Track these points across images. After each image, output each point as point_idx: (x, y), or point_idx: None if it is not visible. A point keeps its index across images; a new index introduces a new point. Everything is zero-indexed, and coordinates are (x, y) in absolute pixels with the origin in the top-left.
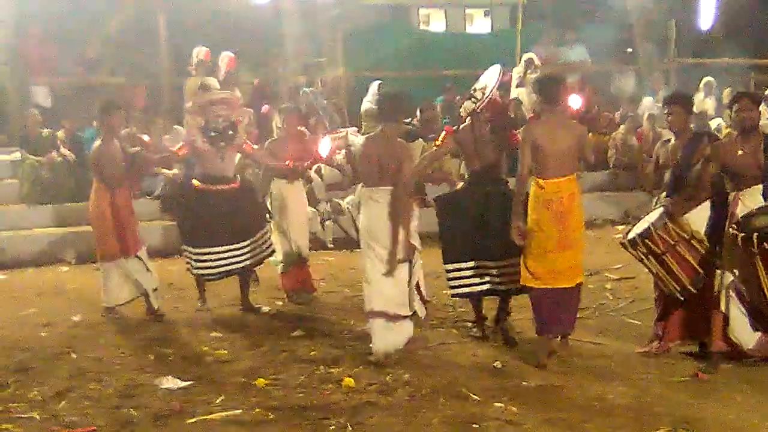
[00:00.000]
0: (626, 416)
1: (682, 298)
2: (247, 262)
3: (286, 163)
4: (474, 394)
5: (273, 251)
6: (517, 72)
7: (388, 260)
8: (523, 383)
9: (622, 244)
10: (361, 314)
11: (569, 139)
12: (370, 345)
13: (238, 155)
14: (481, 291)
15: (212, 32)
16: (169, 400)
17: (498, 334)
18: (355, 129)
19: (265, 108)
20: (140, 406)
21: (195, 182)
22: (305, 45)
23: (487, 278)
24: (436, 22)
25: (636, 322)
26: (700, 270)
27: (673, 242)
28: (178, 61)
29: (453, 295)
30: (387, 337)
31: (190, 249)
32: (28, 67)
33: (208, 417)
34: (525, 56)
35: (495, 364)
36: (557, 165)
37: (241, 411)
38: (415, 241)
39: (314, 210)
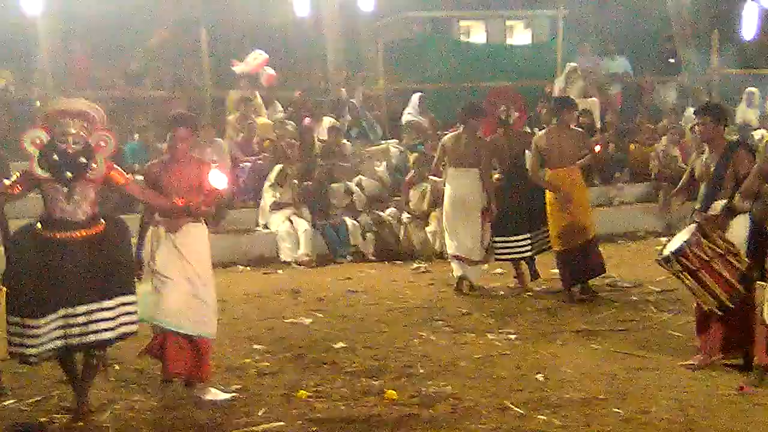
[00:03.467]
0: (670, 429)
1: (721, 313)
2: (89, 338)
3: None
4: (516, 407)
5: (134, 328)
6: (558, 83)
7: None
8: (566, 395)
9: (658, 261)
10: (403, 326)
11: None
12: (412, 357)
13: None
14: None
15: (254, 45)
16: (211, 413)
17: (536, 345)
18: (396, 141)
19: (306, 121)
20: (183, 418)
21: (38, 225)
22: (347, 57)
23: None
24: (476, 34)
25: (679, 334)
26: (737, 285)
27: (707, 258)
28: (220, 74)
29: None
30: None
31: (11, 317)
32: (72, 81)
33: (251, 429)
34: (567, 66)
35: (537, 377)
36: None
37: (283, 423)
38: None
39: (355, 222)
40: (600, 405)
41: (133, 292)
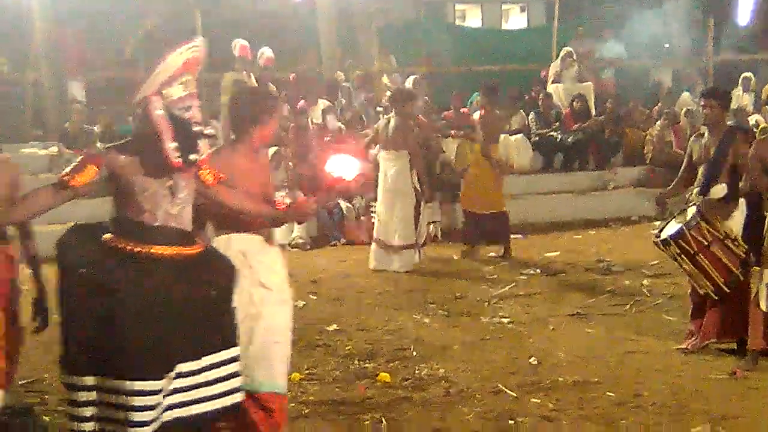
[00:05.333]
0: (663, 413)
1: (717, 297)
2: (191, 410)
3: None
4: (510, 390)
5: (239, 398)
6: (554, 67)
7: None
8: (560, 379)
9: (655, 243)
10: (396, 309)
11: None
12: (406, 340)
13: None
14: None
15: (248, 28)
16: None
17: (530, 329)
18: None
19: (301, 103)
20: None
21: (107, 236)
22: (341, 41)
23: None
24: (472, 18)
25: (673, 318)
26: (735, 270)
27: (706, 243)
28: (214, 57)
29: None
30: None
31: (65, 378)
32: (65, 63)
33: None
34: (563, 51)
35: (531, 360)
36: None
37: None
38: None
39: (349, 205)
40: (593, 388)
41: (236, 344)
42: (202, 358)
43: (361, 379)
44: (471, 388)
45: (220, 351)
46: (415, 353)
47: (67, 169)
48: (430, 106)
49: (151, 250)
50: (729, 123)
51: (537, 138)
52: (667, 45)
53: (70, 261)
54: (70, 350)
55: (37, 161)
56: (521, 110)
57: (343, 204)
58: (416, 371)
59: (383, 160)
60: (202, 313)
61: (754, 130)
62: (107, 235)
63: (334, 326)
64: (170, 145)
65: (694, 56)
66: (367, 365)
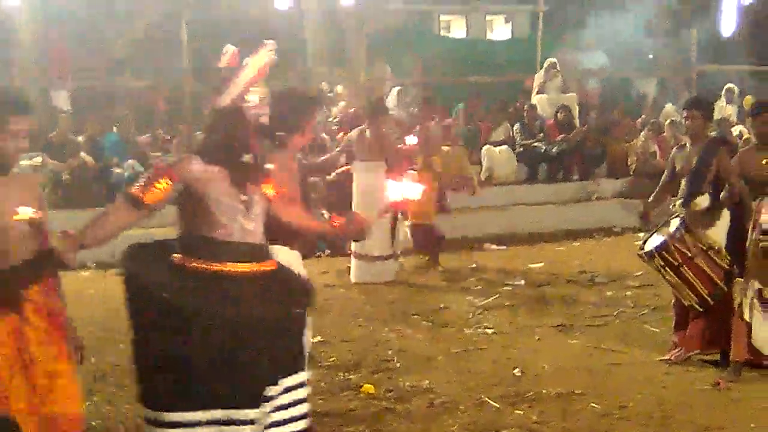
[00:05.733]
0: (647, 424)
1: (701, 309)
2: None
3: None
4: (493, 401)
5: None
6: (538, 78)
7: None
8: (543, 390)
9: (639, 255)
10: (380, 320)
11: None
12: (389, 351)
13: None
14: None
15: (235, 36)
16: None
17: (514, 340)
18: None
19: None
20: None
21: (176, 256)
22: (328, 50)
23: None
24: (457, 29)
25: (657, 329)
26: (719, 281)
27: (690, 254)
28: (200, 66)
29: None
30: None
31: (150, 414)
32: (51, 71)
33: None
34: (546, 62)
35: (515, 372)
36: None
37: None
38: None
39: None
40: (577, 399)
41: (304, 368)
42: (280, 382)
43: (345, 391)
44: (455, 399)
45: (294, 374)
46: (398, 365)
47: (137, 184)
48: (414, 117)
49: (230, 269)
50: (712, 134)
51: (521, 149)
52: (651, 56)
53: (143, 286)
54: (159, 385)
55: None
56: (506, 121)
57: (326, 214)
58: (400, 383)
59: (359, 170)
60: (281, 333)
61: (738, 141)
62: (177, 255)
63: (318, 338)
64: (254, 155)
65: (677, 67)
66: (350, 377)
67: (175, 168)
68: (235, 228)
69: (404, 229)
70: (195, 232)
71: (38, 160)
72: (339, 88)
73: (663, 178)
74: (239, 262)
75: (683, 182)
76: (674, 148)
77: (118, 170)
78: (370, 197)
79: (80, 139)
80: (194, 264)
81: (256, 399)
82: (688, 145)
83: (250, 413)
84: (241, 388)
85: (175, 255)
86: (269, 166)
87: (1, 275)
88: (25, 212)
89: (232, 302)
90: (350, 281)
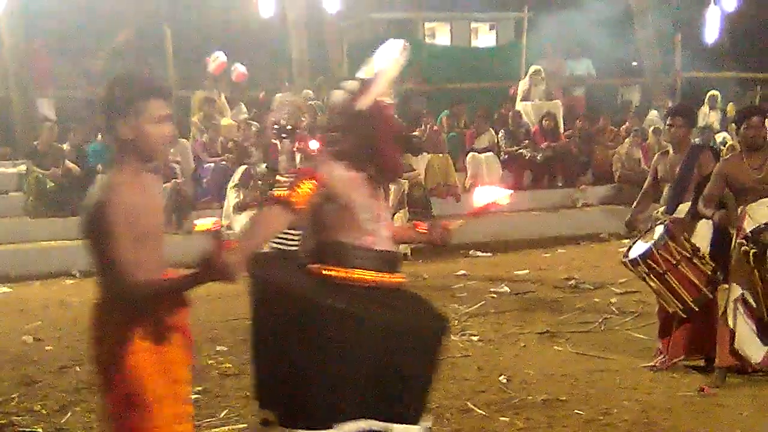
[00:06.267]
0: (631, 430)
1: (685, 315)
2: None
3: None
4: (479, 408)
5: None
6: (522, 85)
7: None
8: (529, 397)
9: (624, 263)
10: None
11: None
12: None
13: None
14: None
15: (218, 45)
16: None
17: (499, 347)
18: None
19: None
20: None
21: (360, 273)
22: (311, 59)
23: None
24: (441, 36)
25: (641, 336)
26: (703, 288)
27: (674, 261)
28: (184, 75)
29: None
30: None
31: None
32: (34, 80)
33: (213, 431)
34: (531, 69)
35: (500, 378)
36: None
37: (245, 425)
38: None
39: None
40: (562, 406)
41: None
42: None
43: None
44: (440, 406)
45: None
46: None
47: (283, 188)
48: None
49: (384, 279)
50: (695, 141)
51: (506, 156)
52: (635, 63)
53: (304, 304)
54: (332, 401)
55: (6, 179)
56: (490, 128)
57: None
58: None
59: None
60: (435, 348)
61: (722, 147)
62: (316, 266)
63: None
64: (399, 157)
65: (662, 74)
66: None
67: (319, 171)
68: (380, 235)
69: None
70: (335, 240)
71: (23, 167)
72: (278, 96)
73: (645, 184)
74: (390, 272)
75: (666, 189)
76: (656, 156)
77: (102, 178)
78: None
79: (65, 147)
80: (346, 274)
81: (419, 413)
82: (670, 151)
83: (412, 429)
84: (406, 402)
85: (314, 266)
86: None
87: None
88: (205, 223)
89: (394, 314)
90: None
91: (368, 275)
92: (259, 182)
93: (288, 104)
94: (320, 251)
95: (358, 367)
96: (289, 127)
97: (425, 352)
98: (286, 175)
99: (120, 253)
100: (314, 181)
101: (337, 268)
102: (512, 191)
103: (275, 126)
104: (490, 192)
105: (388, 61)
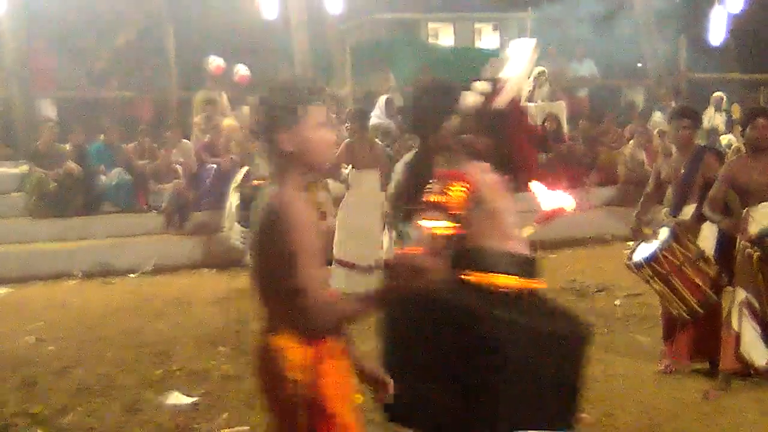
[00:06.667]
0: None
1: (690, 318)
2: None
3: None
4: None
5: None
6: (527, 86)
7: None
8: None
9: (627, 265)
10: (366, 330)
11: None
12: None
13: None
14: None
15: (220, 46)
16: (174, 417)
17: None
18: None
19: None
20: (145, 422)
21: (505, 278)
22: (314, 60)
23: None
24: (445, 36)
25: (646, 339)
26: (708, 290)
27: (678, 263)
28: (186, 75)
29: None
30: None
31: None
32: (35, 80)
33: None
34: (535, 70)
35: None
36: None
37: (246, 428)
38: None
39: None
40: None
41: None
42: None
43: None
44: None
45: None
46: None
47: (432, 192)
48: (402, 126)
49: (527, 285)
50: (699, 143)
51: None
52: (639, 64)
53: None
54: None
55: (7, 180)
56: None
57: None
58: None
59: (356, 179)
60: (583, 355)
61: (727, 150)
62: (465, 272)
63: None
64: (535, 158)
65: (666, 76)
66: None
67: (467, 174)
68: (522, 239)
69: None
70: (479, 245)
71: (25, 168)
72: (382, 101)
73: (648, 187)
74: (531, 277)
75: (670, 191)
76: (660, 157)
77: (104, 178)
78: (368, 205)
79: (66, 147)
80: (492, 280)
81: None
82: (674, 153)
83: None
84: (558, 410)
85: (464, 273)
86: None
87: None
88: (530, 229)
89: (547, 320)
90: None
91: (513, 281)
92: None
93: None
94: (461, 256)
95: (521, 377)
96: None
97: (573, 358)
98: (435, 180)
99: (306, 273)
100: (465, 184)
101: (481, 274)
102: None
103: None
104: (555, 197)
105: (519, 60)
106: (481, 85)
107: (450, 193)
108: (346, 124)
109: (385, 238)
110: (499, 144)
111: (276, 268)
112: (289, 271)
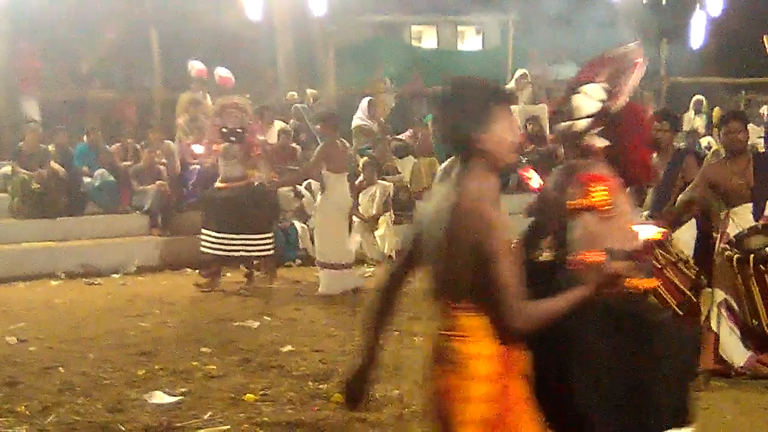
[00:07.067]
0: None
1: None
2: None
3: None
4: None
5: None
6: (509, 89)
7: None
8: None
9: None
10: (351, 330)
11: None
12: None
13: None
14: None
15: (205, 47)
16: (157, 416)
17: None
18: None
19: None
20: (129, 421)
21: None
22: (298, 61)
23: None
24: (428, 39)
25: None
26: (687, 292)
27: (659, 266)
28: (170, 76)
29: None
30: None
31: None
32: (20, 81)
33: None
34: (517, 72)
35: None
36: None
37: (229, 427)
38: None
39: (304, 225)
40: None
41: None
42: None
43: (316, 400)
44: (425, 409)
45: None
46: None
47: (577, 195)
48: (384, 128)
49: (650, 285)
50: (679, 145)
51: None
52: None
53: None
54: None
55: None
56: None
57: (298, 224)
58: (371, 392)
59: (331, 181)
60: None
61: (706, 152)
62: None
63: (289, 347)
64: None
65: (647, 78)
66: (321, 386)
67: (607, 175)
68: (639, 240)
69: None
70: (607, 247)
71: (8, 168)
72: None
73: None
74: (648, 277)
75: (650, 193)
76: None
77: (88, 179)
78: (343, 208)
79: (50, 148)
80: (643, 284)
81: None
82: (654, 156)
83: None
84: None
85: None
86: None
87: None
88: (650, 232)
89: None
90: (321, 291)
91: (640, 282)
92: None
93: (231, 106)
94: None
95: (671, 374)
96: (239, 129)
97: (691, 355)
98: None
99: (507, 272)
100: (605, 185)
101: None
102: (663, 229)
103: (223, 129)
104: (643, 230)
105: (632, 63)
106: (596, 90)
107: (594, 195)
108: (317, 127)
109: (353, 240)
110: (618, 147)
111: (471, 269)
112: (488, 271)
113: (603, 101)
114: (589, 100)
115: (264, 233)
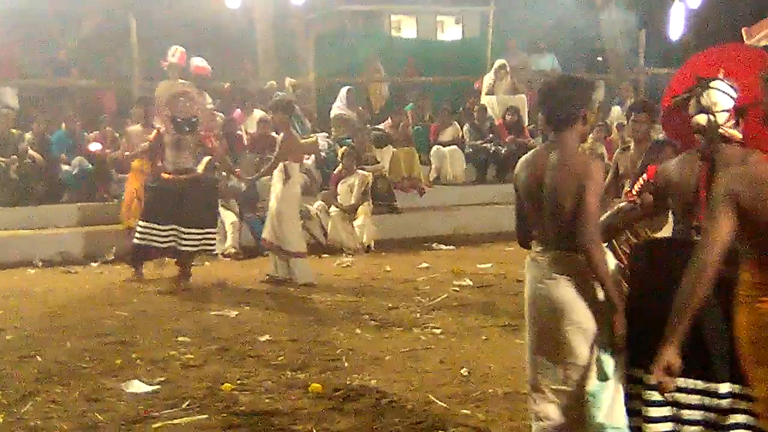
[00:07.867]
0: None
1: None
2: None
3: None
4: (440, 401)
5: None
6: (487, 79)
7: None
8: (490, 390)
9: None
10: (329, 319)
11: None
12: (338, 351)
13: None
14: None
15: (184, 36)
16: (134, 405)
17: (461, 340)
18: (326, 134)
19: (236, 113)
20: (106, 411)
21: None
22: (277, 50)
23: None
24: (407, 29)
25: None
26: None
27: None
28: (149, 65)
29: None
30: None
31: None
32: None
33: (174, 422)
34: (496, 63)
35: (462, 371)
36: None
37: (206, 416)
38: None
39: None
40: (523, 399)
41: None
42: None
43: (293, 390)
44: (402, 398)
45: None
46: (347, 364)
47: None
48: (364, 117)
49: None
50: (658, 136)
51: (470, 149)
52: (600, 58)
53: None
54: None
55: None
56: (455, 121)
57: None
58: (348, 382)
59: (296, 171)
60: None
61: None
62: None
63: (267, 336)
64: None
65: (626, 70)
66: (299, 376)
67: (656, 168)
68: None
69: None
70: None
71: None
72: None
73: (606, 180)
74: None
75: (627, 185)
76: (617, 151)
77: (65, 167)
78: (300, 197)
79: (28, 135)
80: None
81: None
82: (632, 147)
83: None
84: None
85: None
86: None
87: None
88: None
89: None
90: (304, 281)
91: None
92: (223, 173)
93: (181, 95)
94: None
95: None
96: (193, 119)
97: None
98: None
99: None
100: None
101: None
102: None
103: (178, 120)
104: None
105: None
106: (726, 87)
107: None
108: (271, 115)
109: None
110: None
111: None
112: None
113: (734, 98)
114: (725, 96)
115: (210, 228)
